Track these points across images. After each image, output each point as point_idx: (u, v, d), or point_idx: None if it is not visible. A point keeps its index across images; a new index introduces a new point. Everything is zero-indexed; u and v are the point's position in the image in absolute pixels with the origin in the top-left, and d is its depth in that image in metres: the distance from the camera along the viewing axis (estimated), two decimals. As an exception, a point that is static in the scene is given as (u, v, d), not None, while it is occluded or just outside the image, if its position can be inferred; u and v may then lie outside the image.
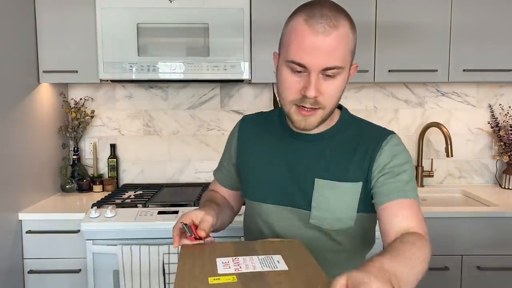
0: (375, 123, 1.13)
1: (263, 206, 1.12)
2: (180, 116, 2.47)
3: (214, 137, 2.47)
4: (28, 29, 2.02)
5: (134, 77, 2.03)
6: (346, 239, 1.08)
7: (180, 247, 0.98)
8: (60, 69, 2.08)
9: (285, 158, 1.10)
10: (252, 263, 0.86)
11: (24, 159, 1.98)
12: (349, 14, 0.98)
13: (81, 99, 2.42)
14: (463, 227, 1.92)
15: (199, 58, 2.02)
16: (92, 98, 2.44)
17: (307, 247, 0.96)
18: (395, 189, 0.99)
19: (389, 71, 2.10)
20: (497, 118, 2.45)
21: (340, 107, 1.13)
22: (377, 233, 1.08)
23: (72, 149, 2.39)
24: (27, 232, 1.90)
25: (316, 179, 1.05)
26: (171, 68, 2.03)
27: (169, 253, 1.74)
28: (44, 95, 2.18)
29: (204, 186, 2.36)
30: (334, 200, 1.04)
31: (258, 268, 0.83)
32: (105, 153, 2.47)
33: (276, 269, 0.83)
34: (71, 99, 2.42)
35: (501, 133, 2.39)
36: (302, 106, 0.97)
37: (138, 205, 1.98)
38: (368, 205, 1.05)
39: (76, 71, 2.07)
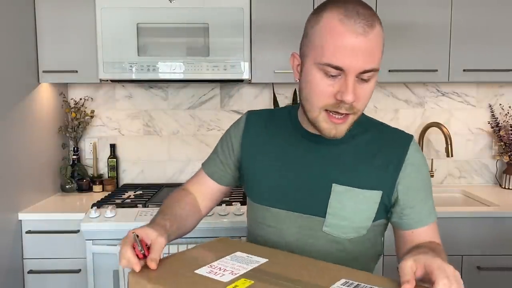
0: (399, 129, 1.08)
1: (272, 211, 1.03)
2: (180, 116, 2.47)
3: (214, 137, 2.47)
4: (28, 29, 2.02)
5: (134, 77, 2.03)
6: (357, 248, 1.03)
7: (128, 275, 0.83)
8: (60, 69, 2.08)
9: (297, 160, 1.02)
10: (237, 264, 0.82)
11: (24, 159, 1.98)
12: None
13: (81, 99, 2.42)
14: (463, 227, 1.92)
15: (199, 58, 2.02)
16: (92, 98, 2.44)
17: (311, 254, 0.93)
18: (425, 214, 1.00)
19: (389, 71, 2.10)
20: (497, 118, 2.45)
21: None
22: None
23: (72, 149, 2.39)
24: (27, 232, 1.90)
25: (333, 185, 0.98)
26: (171, 68, 2.02)
27: (168, 253, 1.74)
28: (44, 95, 2.18)
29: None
30: (352, 208, 0.98)
31: (248, 267, 0.81)
32: (105, 153, 2.47)
33: (260, 263, 0.83)
34: (71, 99, 2.41)
35: (501, 133, 2.39)
36: (335, 112, 0.90)
37: (138, 205, 1.97)
38: (382, 214, 1.01)
39: (76, 71, 2.07)
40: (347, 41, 0.84)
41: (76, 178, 2.34)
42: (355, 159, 0.99)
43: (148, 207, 1.96)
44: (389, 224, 1.06)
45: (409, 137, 1.02)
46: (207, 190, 1.16)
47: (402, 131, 1.04)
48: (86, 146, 2.46)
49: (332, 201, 0.98)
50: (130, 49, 2.01)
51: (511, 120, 2.44)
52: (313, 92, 0.90)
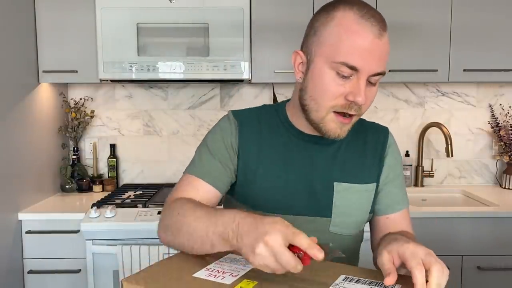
0: (375, 122, 1.11)
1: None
2: (180, 116, 2.47)
3: (214, 137, 2.46)
4: (28, 29, 2.02)
5: (134, 77, 2.03)
6: (357, 244, 1.05)
7: (121, 282, 0.77)
8: (60, 69, 2.08)
9: (296, 163, 0.99)
10: (234, 266, 0.80)
11: (24, 159, 1.98)
12: None
13: (81, 99, 2.42)
14: (463, 227, 1.92)
15: (199, 58, 2.02)
16: (92, 98, 2.44)
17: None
18: (399, 199, 1.03)
19: (390, 71, 2.09)
20: (497, 118, 2.45)
21: None
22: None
23: (72, 149, 2.39)
24: (27, 232, 1.90)
25: (335, 183, 0.98)
26: (171, 68, 2.02)
27: (169, 254, 1.74)
28: (44, 95, 2.18)
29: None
30: (355, 204, 0.99)
31: (246, 268, 0.79)
32: (105, 153, 2.47)
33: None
34: (71, 99, 2.41)
35: (501, 133, 2.39)
36: (344, 113, 0.89)
37: (138, 205, 1.97)
38: (373, 205, 1.03)
39: (76, 71, 2.07)
40: (363, 42, 0.83)
41: (76, 178, 2.34)
42: (349, 155, 1.01)
43: (148, 207, 1.96)
44: None
45: (386, 128, 1.08)
46: (205, 194, 0.99)
47: (378, 124, 1.10)
48: (86, 146, 2.46)
49: (336, 200, 0.98)
50: (130, 49, 2.01)
51: (511, 120, 2.44)
52: (323, 91, 0.88)
